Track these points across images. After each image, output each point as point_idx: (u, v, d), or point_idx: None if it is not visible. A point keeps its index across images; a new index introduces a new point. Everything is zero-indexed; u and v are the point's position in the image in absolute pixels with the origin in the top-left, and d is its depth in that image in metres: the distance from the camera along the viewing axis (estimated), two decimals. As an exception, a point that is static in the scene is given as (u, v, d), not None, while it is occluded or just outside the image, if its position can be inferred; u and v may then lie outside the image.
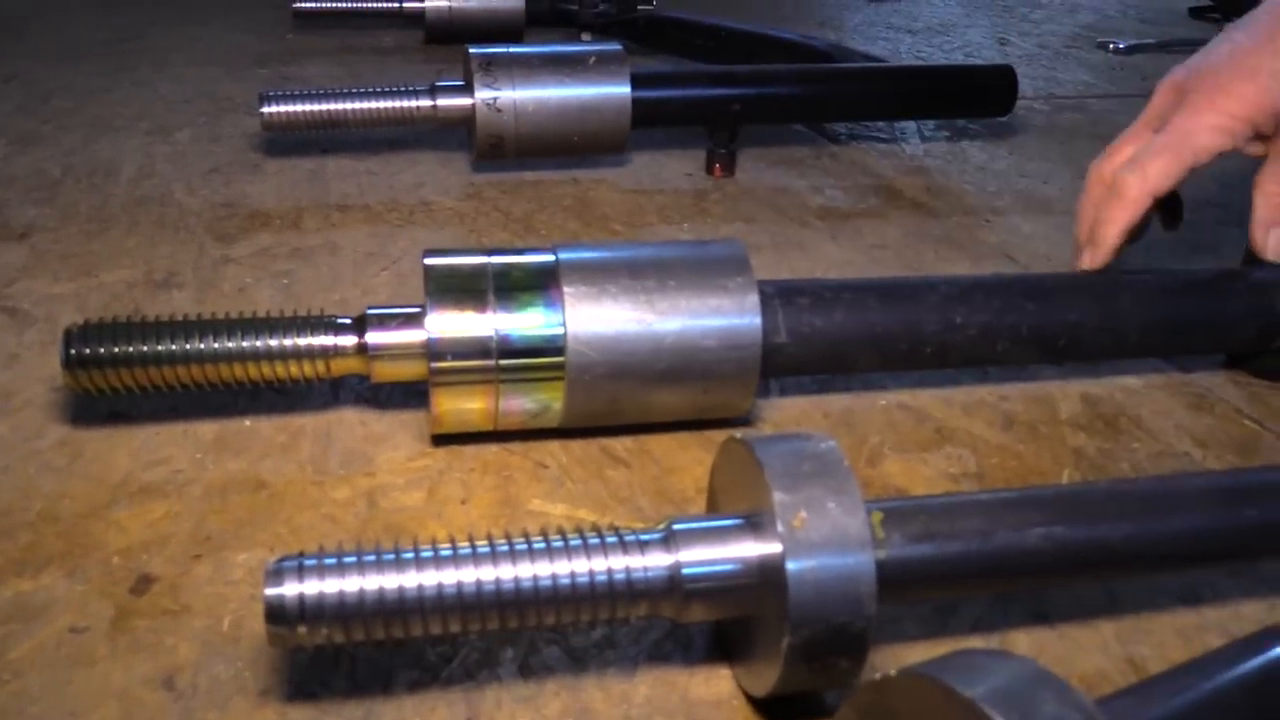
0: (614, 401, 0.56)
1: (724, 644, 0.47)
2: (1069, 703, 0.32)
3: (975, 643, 0.48)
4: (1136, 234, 0.70)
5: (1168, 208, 0.71)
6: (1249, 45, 0.68)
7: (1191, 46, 1.68)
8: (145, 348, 0.53)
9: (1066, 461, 0.61)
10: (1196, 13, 1.92)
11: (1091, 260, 0.69)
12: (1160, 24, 1.85)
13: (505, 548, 0.40)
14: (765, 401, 0.65)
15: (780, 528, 0.39)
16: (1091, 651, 0.48)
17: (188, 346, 0.54)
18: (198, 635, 0.45)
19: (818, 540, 0.39)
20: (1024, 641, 0.49)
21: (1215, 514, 0.47)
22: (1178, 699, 0.39)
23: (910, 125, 1.17)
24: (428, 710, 0.43)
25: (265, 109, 0.86)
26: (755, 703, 0.44)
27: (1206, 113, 0.67)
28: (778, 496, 0.40)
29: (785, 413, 0.64)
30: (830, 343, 0.59)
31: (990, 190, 1.01)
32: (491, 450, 0.58)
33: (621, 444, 0.59)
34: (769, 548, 0.40)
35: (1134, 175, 0.67)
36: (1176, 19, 1.90)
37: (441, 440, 0.58)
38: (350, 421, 0.60)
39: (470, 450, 0.58)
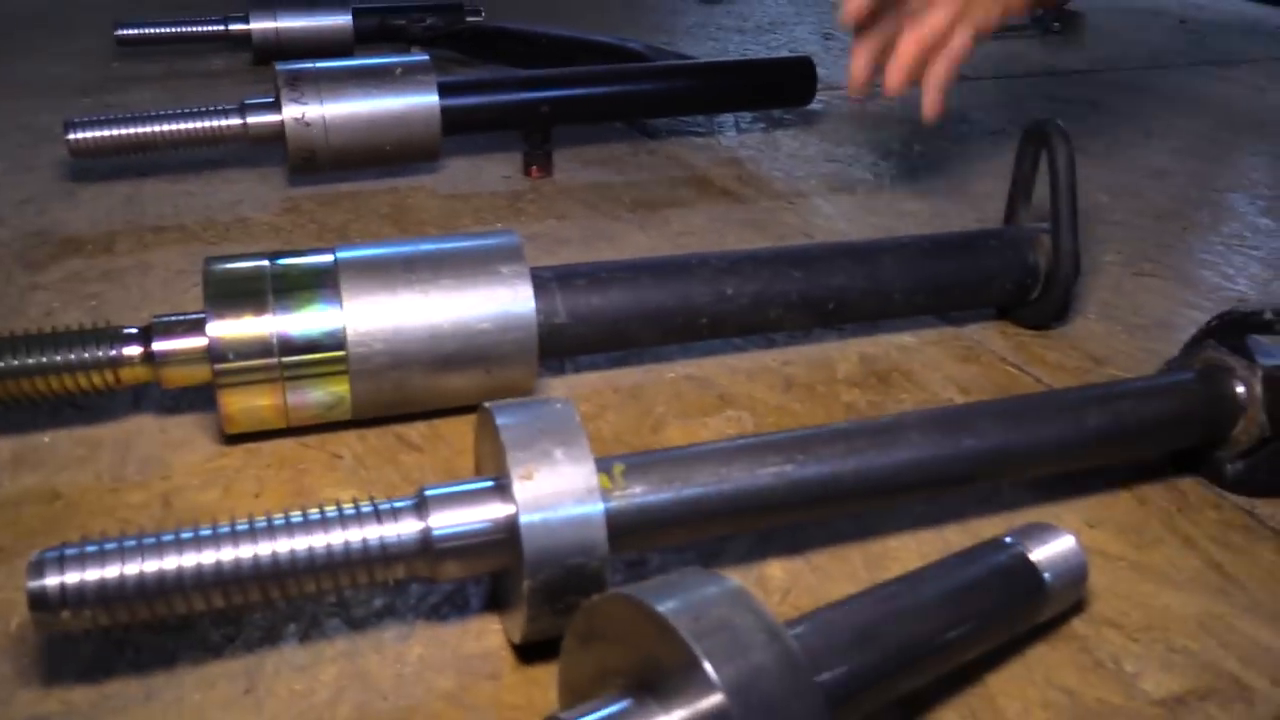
0: (400, 389, 0.59)
1: (495, 601, 0.50)
2: (744, 608, 0.36)
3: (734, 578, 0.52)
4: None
5: None
6: None
7: (1001, 32, 1.77)
8: None
9: (838, 415, 0.66)
10: (1012, 0, 2.03)
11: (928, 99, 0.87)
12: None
13: (263, 524, 0.43)
14: (559, 380, 0.68)
15: (514, 483, 0.43)
16: (841, 580, 0.53)
17: None
18: (-17, 640, 0.47)
19: (547, 491, 0.43)
20: (779, 573, 0.53)
21: (935, 443, 0.52)
22: (888, 605, 0.44)
23: (728, 118, 1.22)
24: (207, 685, 0.45)
25: (71, 135, 0.87)
26: (519, 651, 0.47)
27: None
28: (511, 455, 0.43)
29: (576, 389, 0.68)
30: (609, 320, 0.63)
31: (798, 175, 1.06)
32: (288, 445, 0.60)
33: (416, 430, 0.62)
34: (508, 505, 0.43)
35: (962, 25, 0.84)
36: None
37: (239, 440, 0.60)
38: (150, 429, 0.62)
39: (268, 447, 0.60)
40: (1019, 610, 0.48)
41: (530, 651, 0.47)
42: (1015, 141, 0.77)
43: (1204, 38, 1.89)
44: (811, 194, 1.02)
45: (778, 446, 0.50)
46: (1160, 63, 1.67)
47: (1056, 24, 1.82)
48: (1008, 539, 0.50)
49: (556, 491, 0.43)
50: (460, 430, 0.62)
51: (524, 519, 0.42)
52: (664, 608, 0.35)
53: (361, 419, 0.61)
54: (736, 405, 0.67)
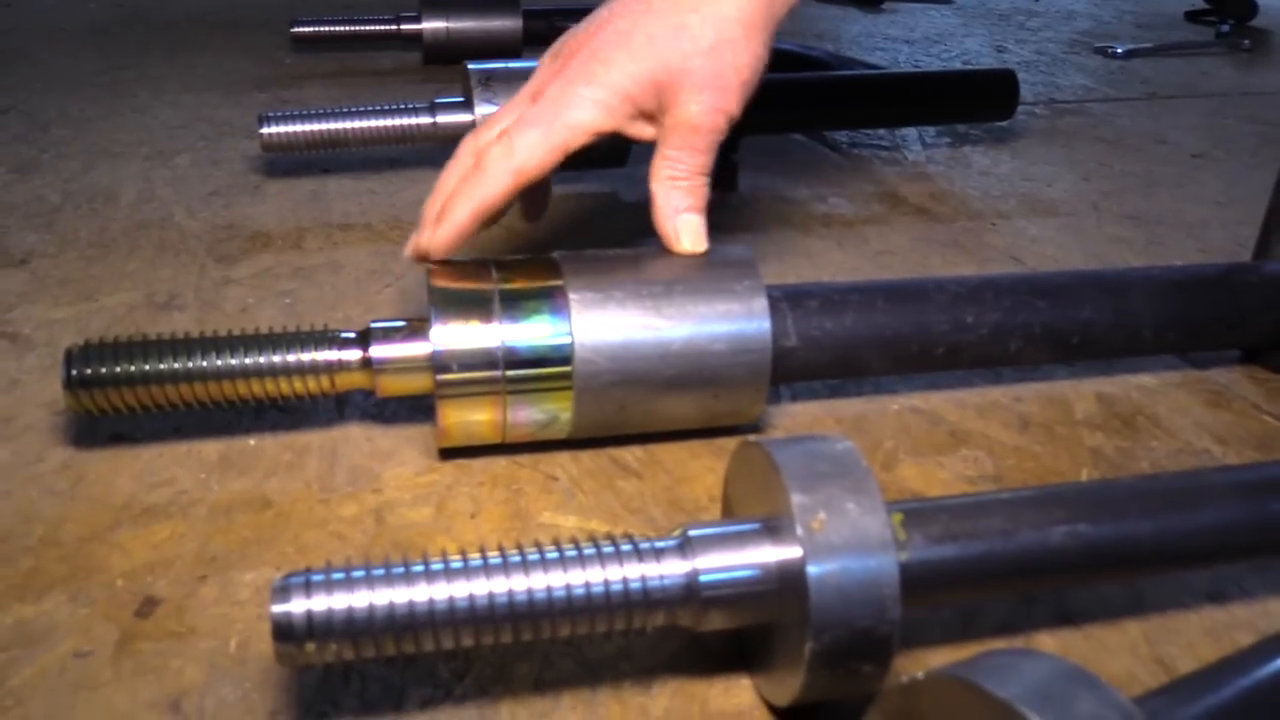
0: (623, 410, 0.55)
1: (744, 653, 0.45)
2: (1106, 700, 0.31)
3: (999, 645, 0.47)
4: (493, 218, 0.58)
5: (533, 196, 0.65)
6: (623, 6, 0.58)
7: (1187, 49, 1.68)
8: (147, 366, 0.53)
9: (1085, 461, 0.60)
10: (1192, 16, 1.92)
11: (430, 241, 0.56)
12: (1156, 28, 1.84)
13: (517, 559, 0.39)
14: (776, 408, 0.64)
15: (799, 530, 0.38)
16: (1119, 653, 0.47)
17: (190, 364, 0.53)
18: (204, 657, 0.44)
19: (838, 542, 0.38)
20: (1049, 643, 0.48)
21: (1240, 508, 0.46)
22: (1212, 696, 0.38)
23: (911, 132, 1.16)
24: (441, 728, 0.42)
25: (264, 130, 0.86)
26: (778, 713, 0.43)
27: (580, 83, 0.56)
28: (796, 498, 0.39)
29: (797, 419, 0.63)
30: (841, 345, 0.59)
31: (994, 194, 1.00)
32: (500, 463, 0.57)
33: (632, 454, 0.58)
34: (788, 551, 0.39)
35: (499, 149, 0.56)
36: (1173, 23, 1.90)
37: (449, 454, 0.57)
38: (356, 438, 0.59)
39: (479, 464, 0.57)
40: (1354, 708, 0.41)
41: (788, 715, 0.42)
42: (1222, 166, 0.70)
43: None
44: (1013, 215, 0.95)
45: (1065, 501, 0.44)
46: (1367, 86, 1.55)
47: (1246, 41, 1.71)
48: (1327, 620, 0.44)
49: (848, 543, 0.38)
50: (678, 456, 0.58)
51: (812, 570, 0.38)
52: (1012, 694, 0.30)
53: (575, 438, 0.57)
54: (971, 444, 0.61)
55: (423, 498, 0.54)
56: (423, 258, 0.57)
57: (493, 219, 0.58)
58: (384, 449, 0.58)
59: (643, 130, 0.58)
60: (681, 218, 0.57)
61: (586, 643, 0.46)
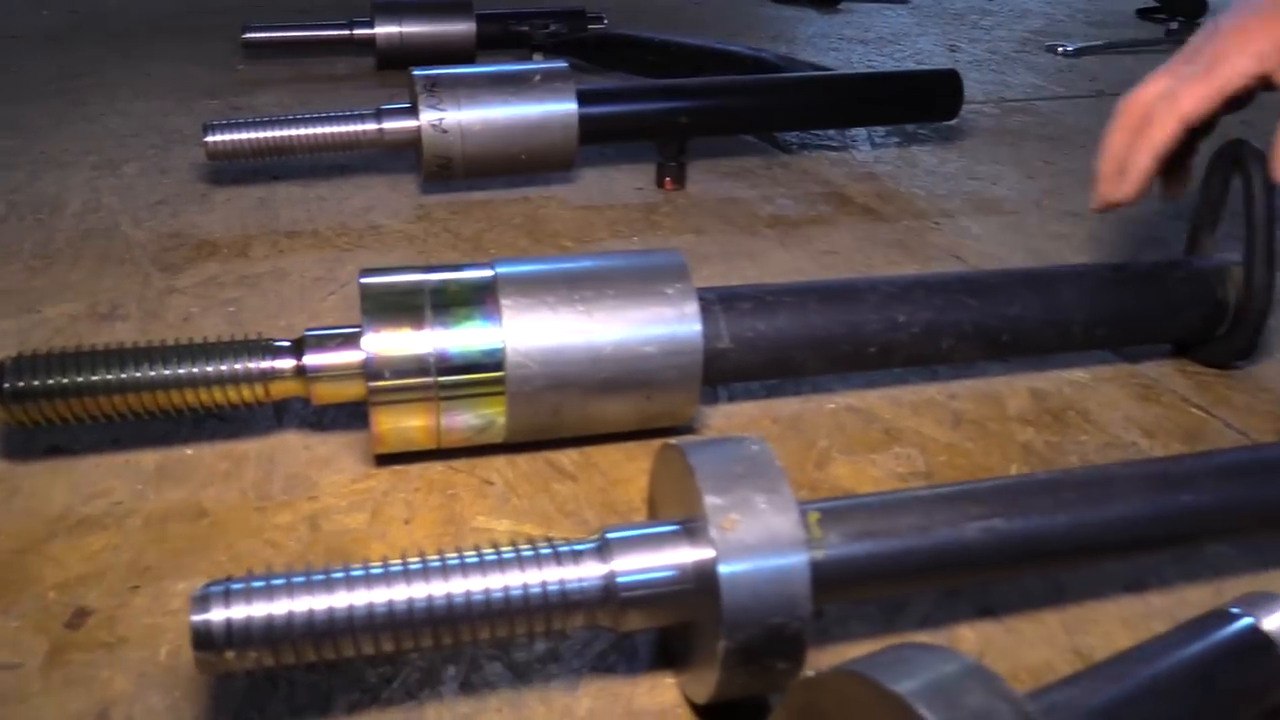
0: (557, 414, 0.56)
1: (668, 652, 0.46)
2: (996, 693, 0.32)
3: (922, 639, 0.48)
4: (1166, 171, 0.68)
5: (1177, 172, 0.70)
6: None
7: (1138, 47, 1.70)
8: (80, 378, 0.53)
9: (1015, 457, 0.62)
10: (1144, 14, 1.95)
11: (1120, 191, 0.66)
12: (1108, 26, 1.87)
13: (437, 564, 0.40)
14: (713, 409, 0.64)
15: (712, 531, 0.39)
16: (1038, 644, 0.48)
17: (124, 375, 0.53)
18: (134, 667, 0.45)
19: (750, 542, 0.39)
20: (970, 636, 0.49)
21: (1151, 500, 0.47)
22: (1119, 686, 0.39)
23: (861, 132, 1.17)
24: (367, 732, 0.42)
25: (209, 138, 0.86)
26: (699, 710, 0.43)
27: (1238, 38, 0.64)
28: (709, 500, 0.40)
29: (733, 419, 0.64)
30: (774, 346, 0.59)
31: (940, 193, 1.01)
32: (436, 469, 0.58)
33: (568, 457, 0.59)
34: (702, 552, 0.40)
35: (1166, 102, 0.65)
36: (1124, 20, 1.93)
37: (386, 461, 0.58)
38: (294, 446, 0.59)
39: (415, 470, 0.57)
40: (1258, 690, 0.43)
41: (710, 712, 0.43)
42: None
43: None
44: (957, 214, 0.97)
45: (979, 497, 0.45)
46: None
47: (1195, 39, 1.73)
48: (1234, 609, 0.45)
49: (760, 542, 0.39)
50: (613, 458, 0.59)
51: (724, 570, 0.38)
52: (908, 690, 0.31)
53: (511, 443, 0.57)
54: (904, 441, 0.62)
55: (358, 504, 0.55)
56: (1112, 207, 0.67)
57: (1164, 167, 0.67)
58: (322, 456, 0.58)
59: None
60: None
61: (515, 645, 0.47)
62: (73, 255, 0.80)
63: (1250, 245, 0.68)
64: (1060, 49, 1.62)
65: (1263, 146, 0.67)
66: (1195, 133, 0.67)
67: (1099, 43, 1.67)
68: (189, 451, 0.58)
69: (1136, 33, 1.81)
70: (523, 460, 0.58)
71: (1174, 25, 1.80)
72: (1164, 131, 0.65)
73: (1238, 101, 0.65)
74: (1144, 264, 0.70)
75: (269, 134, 0.87)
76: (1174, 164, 0.68)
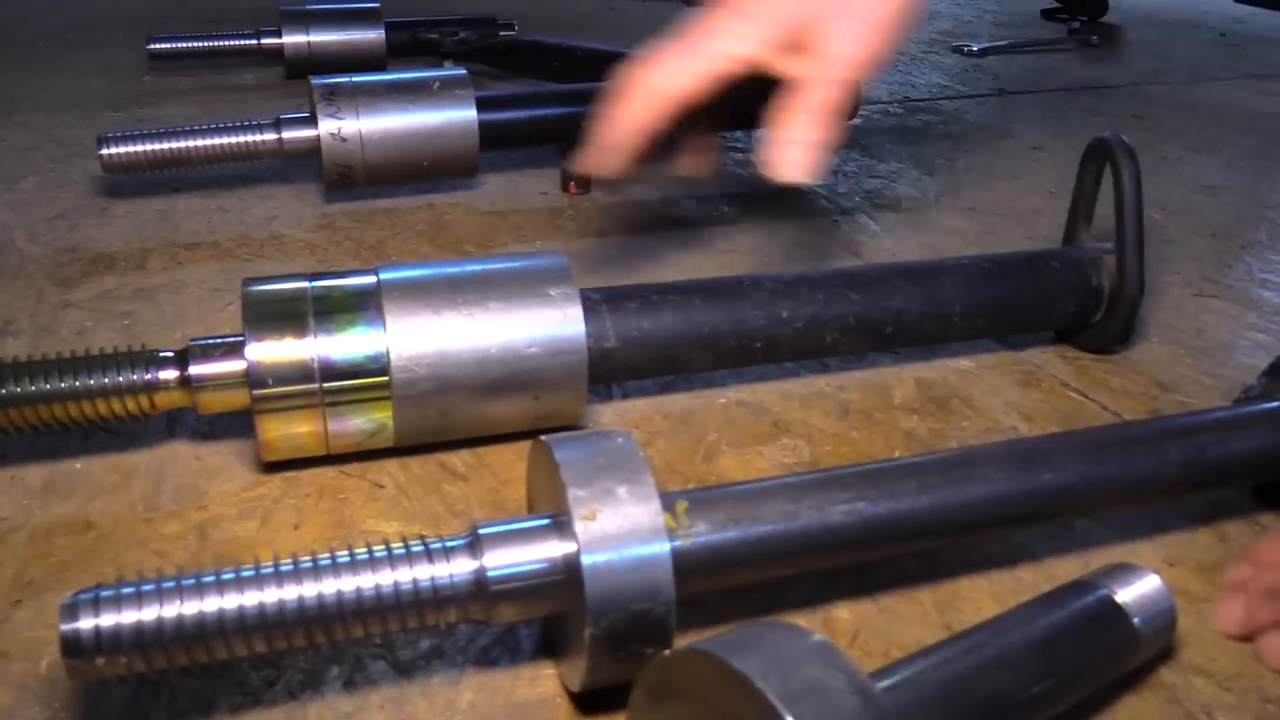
0: (446, 416, 0.56)
1: (550, 644, 0.47)
2: (835, 667, 0.33)
3: (800, 621, 0.49)
4: (685, 149, 0.66)
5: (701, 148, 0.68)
6: None
7: (1040, 46, 1.75)
8: None
9: (898, 444, 0.64)
10: (1048, 14, 2.00)
11: (603, 164, 0.63)
12: (1014, 26, 1.92)
13: (308, 564, 0.40)
14: (606, 406, 0.66)
15: (575, 522, 0.40)
16: (912, 622, 0.50)
17: (3, 390, 0.53)
18: (14, 680, 0.45)
19: (611, 531, 0.40)
20: (846, 617, 0.50)
21: (1013, 478, 0.49)
22: (971, 657, 0.41)
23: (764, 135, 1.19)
24: (248, 734, 0.43)
25: (104, 151, 0.85)
26: (576, 699, 0.45)
27: (735, 9, 0.61)
28: (571, 492, 0.41)
29: (625, 416, 0.65)
30: (660, 344, 0.61)
31: (841, 192, 1.04)
32: (328, 474, 0.58)
33: (460, 458, 0.60)
34: (567, 544, 0.41)
35: (651, 73, 0.61)
36: (1029, 20, 1.98)
37: (277, 468, 0.58)
38: (185, 456, 0.59)
39: (307, 475, 0.58)
40: (1110, 659, 0.45)
41: (587, 700, 0.44)
42: (1059, 157, 0.75)
43: (1244, 51, 1.85)
44: (855, 211, 0.99)
45: (846, 482, 0.47)
46: (1203, 76, 1.64)
47: (1095, 37, 1.79)
48: (1091, 580, 0.47)
49: (620, 532, 0.40)
50: (506, 459, 0.60)
51: (586, 560, 0.40)
52: (748, 667, 0.32)
53: (403, 446, 0.58)
54: (792, 433, 0.64)
55: (248, 512, 0.55)
56: (604, 177, 0.64)
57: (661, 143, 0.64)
58: (212, 466, 0.59)
59: (791, 65, 0.62)
60: (790, 148, 0.61)
61: (399, 644, 0.47)
62: (-36, 272, 0.79)
63: (1120, 234, 0.71)
64: (966, 49, 1.66)
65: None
66: (705, 111, 0.65)
67: (1004, 42, 1.72)
68: (77, 465, 0.58)
69: (1041, 32, 1.86)
70: (415, 463, 0.59)
71: (1076, 25, 1.86)
72: (641, 108, 0.61)
73: (747, 81, 0.62)
74: (1021, 254, 0.72)
75: (166, 145, 0.86)
76: (688, 141, 0.67)
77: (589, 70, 1.18)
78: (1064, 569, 0.54)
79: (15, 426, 0.53)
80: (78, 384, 0.53)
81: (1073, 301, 0.72)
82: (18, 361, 0.54)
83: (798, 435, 0.64)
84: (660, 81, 0.61)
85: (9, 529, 0.53)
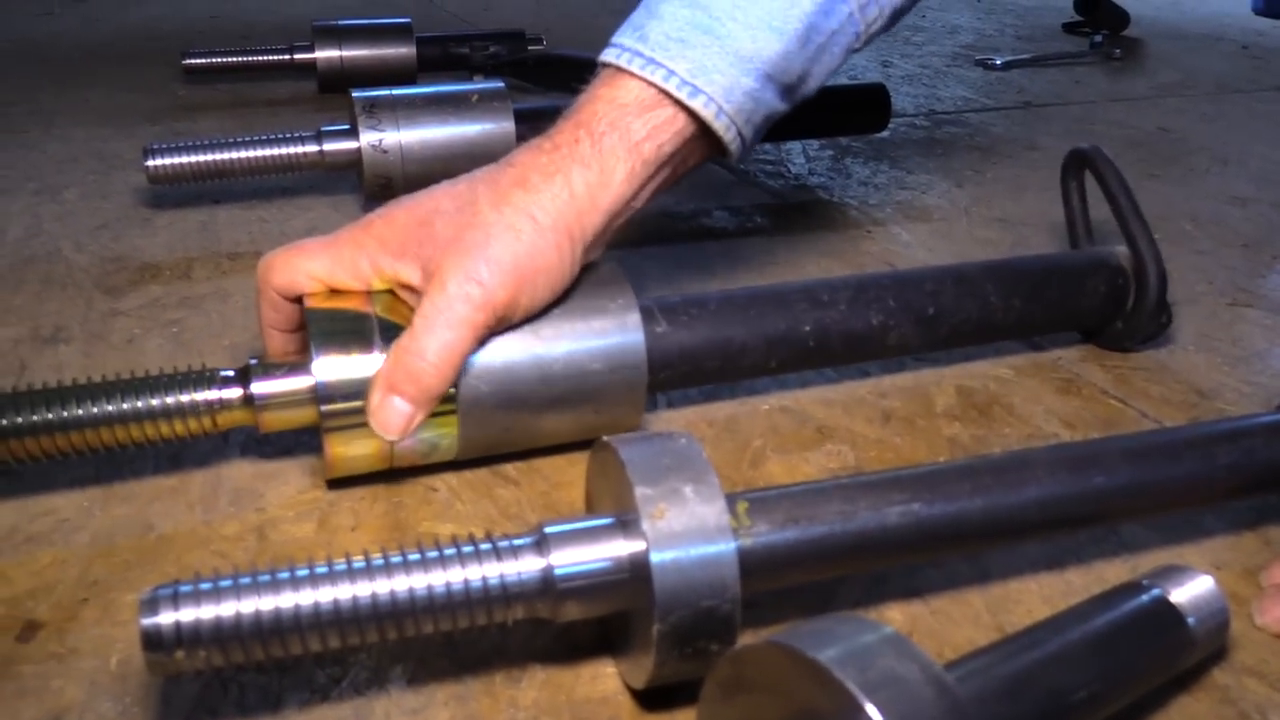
0: (507, 431, 0.57)
1: (608, 642, 0.48)
2: (909, 657, 0.34)
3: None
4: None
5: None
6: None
7: (1063, 59, 1.75)
8: (22, 419, 0.52)
9: (941, 450, 0.64)
10: (1069, 28, 2.01)
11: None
12: (1036, 40, 1.93)
13: (380, 562, 0.41)
14: (653, 415, 0.66)
15: (643, 520, 0.41)
16: (963, 624, 0.51)
17: (66, 414, 0.52)
18: (85, 676, 0.46)
19: (679, 529, 0.41)
20: (898, 618, 0.51)
21: (1063, 481, 0.50)
22: (1032, 653, 0.42)
23: (795, 146, 1.20)
24: (317, 729, 0.44)
25: (150, 162, 0.87)
26: (638, 696, 0.45)
27: (367, 231, 0.57)
28: (639, 491, 0.41)
29: (672, 424, 0.66)
30: (717, 350, 0.62)
31: (872, 203, 1.05)
32: (382, 479, 0.59)
33: (511, 464, 0.60)
34: (634, 541, 0.42)
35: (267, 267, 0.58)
36: (1051, 34, 1.99)
37: (332, 472, 0.59)
38: (240, 463, 0.60)
39: (361, 480, 0.59)
40: (1165, 659, 0.45)
41: (649, 697, 0.45)
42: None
43: (1267, 63, 1.86)
44: (888, 222, 1.00)
45: (901, 484, 0.48)
46: (1227, 88, 1.64)
47: (1117, 50, 1.80)
48: (1145, 581, 0.48)
49: (688, 530, 0.41)
50: (556, 464, 0.61)
51: (655, 558, 0.40)
52: (826, 657, 0.33)
53: (463, 460, 0.59)
54: (836, 439, 0.64)
55: (305, 514, 0.56)
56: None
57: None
58: (268, 471, 0.59)
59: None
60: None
61: (461, 642, 0.48)
62: (15, 280, 0.81)
63: (1127, 231, 0.72)
64: (990, 63, 1.67)
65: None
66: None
67: (1027, 56, 1.73)
68: (135, 471, 0.59)
69: (1063, 46, 1.87)
70: (467, 468, 0.60)
71: (1098, 38, 1.87)
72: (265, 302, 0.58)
73: None
74: (1046, 256, 0.74)
75: (210, 157, 0.88)
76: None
77: (619, 84, 1.19)
78: (1112, 572, 0.55)
79: (77, 450, 0.53)
80: (140, 405, 0.53)
81: (1100, 297, 0.72)
82: (79, 385, 0.53)
83: (842, 441, 0.64)
84: (271, 276, 0.57)
85: (71, 530, 0.54)
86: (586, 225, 0.56)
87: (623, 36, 0.59)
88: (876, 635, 0.35)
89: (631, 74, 0.57)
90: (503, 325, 0.55)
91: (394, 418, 0.52)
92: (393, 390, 0.52)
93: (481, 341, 0.54)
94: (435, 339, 0.52)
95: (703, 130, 0.58)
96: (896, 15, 0.64)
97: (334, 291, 0.57)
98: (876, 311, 0.65)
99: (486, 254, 0.52)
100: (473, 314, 0.52)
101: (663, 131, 0.57)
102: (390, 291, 0.57)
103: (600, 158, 0.56)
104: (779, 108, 0.62)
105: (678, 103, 0.57)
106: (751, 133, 0.61)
